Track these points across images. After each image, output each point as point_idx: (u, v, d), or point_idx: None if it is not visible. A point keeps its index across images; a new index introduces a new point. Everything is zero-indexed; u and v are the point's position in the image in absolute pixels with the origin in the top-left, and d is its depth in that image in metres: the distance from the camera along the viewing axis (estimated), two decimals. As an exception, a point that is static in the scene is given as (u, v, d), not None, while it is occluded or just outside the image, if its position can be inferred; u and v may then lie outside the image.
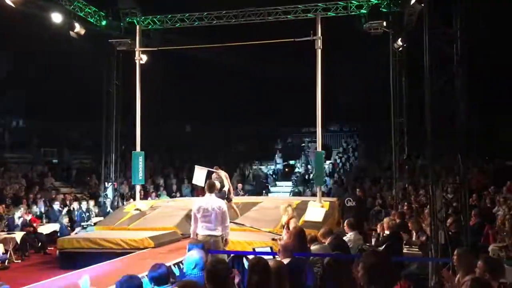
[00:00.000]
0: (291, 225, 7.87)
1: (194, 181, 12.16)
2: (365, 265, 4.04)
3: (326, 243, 6.73)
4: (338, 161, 21.43)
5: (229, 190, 11.30)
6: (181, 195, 18.25)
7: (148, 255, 9.27)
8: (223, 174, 11.28)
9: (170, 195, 18.16)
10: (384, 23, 13.25)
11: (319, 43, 12.19)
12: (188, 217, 11.27)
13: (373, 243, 8.92)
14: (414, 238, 8.59)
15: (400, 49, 14.47)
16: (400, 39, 14.15)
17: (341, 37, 15.76)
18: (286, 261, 4.96)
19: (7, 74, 18.70)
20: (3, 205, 13.09)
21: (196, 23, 14.49)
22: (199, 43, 14.91)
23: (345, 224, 8.28)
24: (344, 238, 7.61)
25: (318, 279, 6.24)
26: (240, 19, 14.11)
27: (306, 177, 20.00)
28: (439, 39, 7.93)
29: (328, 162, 20.05)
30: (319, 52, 12.24)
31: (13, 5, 11.71)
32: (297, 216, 8.42)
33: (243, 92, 23.13)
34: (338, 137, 23.84)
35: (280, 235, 8.68)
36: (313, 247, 6.46)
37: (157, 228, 11.22)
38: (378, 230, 9.08)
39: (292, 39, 12.51)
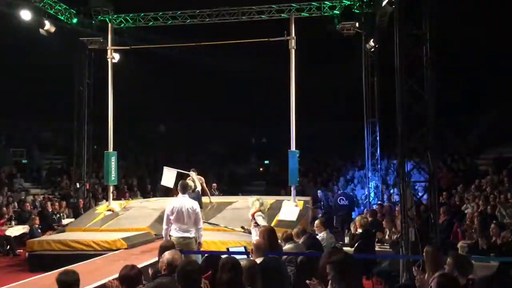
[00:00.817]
0: (259, 219, 7.82)
1: (162, 183, 11.86)
2: (334, 264, 4.11)
3: (300, 242, 6.77)
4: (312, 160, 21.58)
5: (203, 191, 11.14)
6: (155, 196, 18.08)
7: (121, 256, 9.18)
8: (195, 176, 11.04)
9: (144, 195, 17.97)
10: (357, 24, 13.41)
11: (292, 43, 12.28)
12: (161, 218, 11.19)
13: (346, 240, 9.03)
14: (387, 236, 8.74)
15: (372, 49, 14.67)
16: (372, 39, 14.35)
17: (315, 38, 15.88)
18: (259, 260, 4.98)
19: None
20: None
21: (170, 21, 14.38)
22: (174, 42, 14.82)
23: (316, 224, 8.34)
24: (317, 237, 7.67)
25: (291, 278, 6.29)
26: (214, 18, 14.07)
27: (281, 176, 20.06)
28: (410, 40, 8.08)
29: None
30: (292, 52, 12.33)
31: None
32: (266, 212, 8.38)
33: (218, 91, 23.09)
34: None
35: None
36: (287, 246, 6.50)
37: (130, 229, 11.09)
38: (352, 229, 9.19)
39: (267, 39, 12.56)
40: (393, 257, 7.74)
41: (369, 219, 9.26)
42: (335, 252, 4.86)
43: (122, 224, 11.53)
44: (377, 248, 8.37)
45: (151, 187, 19.10)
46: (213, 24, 14.38)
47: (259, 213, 7.93)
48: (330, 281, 4.20)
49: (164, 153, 22.71)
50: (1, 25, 15.34)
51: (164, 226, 7.32)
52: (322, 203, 14.85)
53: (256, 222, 7.86)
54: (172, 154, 22.27)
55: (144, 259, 8.29)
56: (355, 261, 4.62)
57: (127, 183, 19.21)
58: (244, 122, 23.48)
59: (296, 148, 12.47)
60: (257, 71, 22.35)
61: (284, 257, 6.07)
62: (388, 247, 8.54)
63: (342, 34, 13.58)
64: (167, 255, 4.79)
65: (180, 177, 11.31)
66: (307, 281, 4.45)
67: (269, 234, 5.80)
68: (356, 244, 7.89)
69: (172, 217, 7.14)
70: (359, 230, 8.32)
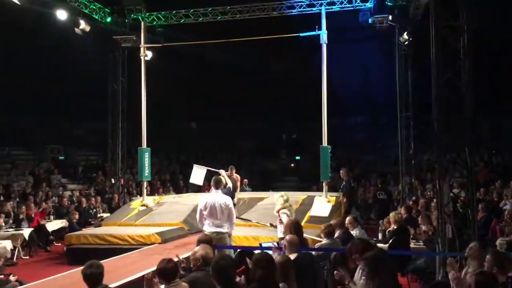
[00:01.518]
0: (283, 216, 7.71)
1: (191, 180, 11.74)
2: (367, 260, 4.06)
3: (335, 236, 6.71)
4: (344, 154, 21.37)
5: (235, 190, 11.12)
6: (187, 192, 18.27)
7: (155, 250, 9.32)
8: (225, 173, 10.92)
9: (177, 191, 18.19)
10: (390, 17, 13.16)
11: (324, 38, 12.18)
12: (194, 213, 11.30)
13: (379, 237, 8.90)
14: (422, 232, 8.56)
15: (406, 42, 14.38)
16: (406, 32, 14.06)
17: (346, 31, 15.70)
18: (292, 256, 4.96)
19: (16, 71, 18.77)
20: (11, 202, 13.16)
21: (201, 19, 14.43)
22: (205, 39, 14.91)
23: (348, 220, 8.19)
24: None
25: (325, 274, 6.25)
26: (244, 14, 14.05)
27: (312, 172, 19.96)
28: (446, 32, 7.87)
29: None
30: (324, 46, 12.23)
31: (18, 2, 11.74)
32: (292, 209, 8.33)
33: (248, 87, 23.13)
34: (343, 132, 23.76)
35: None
36: (323, 242, 6.46)
37: (163, 224, 11.26)
38: (385, 224, 9.05)
39: (297, 34, 12.50)
40: (429, 254, 7.57)
41: (404, 215, 9.10)
42: (362, 245, 4.77)
43: (156, 219, 11.71)
44: (411, 245, 8.22)
45: (183, 183, 19.31)
46: (244, 20, 14.36)
47: (284, 210, 7.89)
48: (364, 277, 4.15)
49: (196, 150, 22.92)
50: (37, 25, 15.81)
51: (199, 222, 7.42)
52: None
53: (281, 219, 7.82)
54: (203, 151, 22.48)
55: (178, 253, 8.37)
56: (389, 257, 4.55)
57: (160, 179, 19.50)
58: (274, 118, 23.48)
59: (327, 144, 12.38)
60: (288, 67, 22.32)
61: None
62: (422, 243, 8.37)
63: (375, 28, 13.36)
64: (199, 250, 4.84)
65: (210, 175, 11.28)
66: (335, 272, 4.41)
67: (295, 227, 5.78)
68: (390, 241, 7.76)
69: (205, 212, 7.19)
70: (393, 226, 8.18)
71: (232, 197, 10.22)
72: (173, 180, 19.84)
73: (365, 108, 21.84)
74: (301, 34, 12.46)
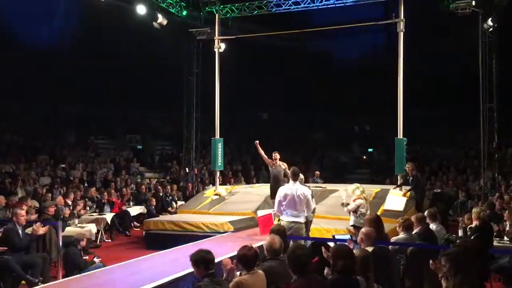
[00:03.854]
0: (354, 204, 7.77)
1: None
2: (450, 256, 3.89)
3: (414, 232, 6.50)
4: (420, 148, 20.56)
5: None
6: (258, 182, 18.46)
7: (228, 238, 9.51)
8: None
9: (248, 181, 18.44)
10: (473, 2, 12.42)
11: (401, 26, 11.75)
12: (266, 203, 11.41)
13: (460, 234, 8.49)
14: (507, 230, 8.07)
15: (491, 29, 13.51)
16: (490, 19, 13.21)
17: (425, 19, 15.04)
18: (369, 249, 4.86)
19: (99, 65, 19.84)
20: (94, 188, 13.98)
21: (274, 9, 14.44)
22: (277, 30, 14.89)
23: (427, 214, 7.89)
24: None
25: (401, 269, 6.08)
26: (318, 3, 13.87)
27: (385, 165, 19.42)
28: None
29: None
30: (401, 35, 11.83)
31: (101, -1, 12.37)
32: (368, 200, 8.18)
33: (320, 79, 22.89)
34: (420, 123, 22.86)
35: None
36: (399, 236, 6.28)
37: (235, 213, 11.45)
38: (465, 221, 8.62)
39: (374, 23, 12.15)
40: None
41: (487, 211, 8.61)
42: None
43: (228, 208, 11.93)
44: (495, 243, 7.77)
45: (254, 173, 19.52)
46: (317, 10, 14.18)
47: (361, 200, 7.80)
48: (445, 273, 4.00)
49: (267, 141, 23.01)
50: (117, 20, 16.58)
51: (276, 208, 7.48)
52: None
53: (355, 212, 7.78)
54: (274, 142, 22.53)
55: (250, 242, 8.49)
56: (471, 254, 4.34)
57: (232, 169, 19.84)
58: (347, 109, 23.06)
59: (403, 136, 11.99)
60: (361, 57, 21.80)
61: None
62: (508, 242, 7.89)
63: (456, 14, 12.68)
64: (268, 239, 4.86)
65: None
66: (430, 262, 4.26)
67: (375, 222, 5.66)
68: (472, 238, 7.37)
69: (284, 203, 7.24)
70: (476, 223, 7.76)
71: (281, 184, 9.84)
72: (244, 170, 20.12)
73: (443, 99, 20.82)
74: (377, 23, 12.09)
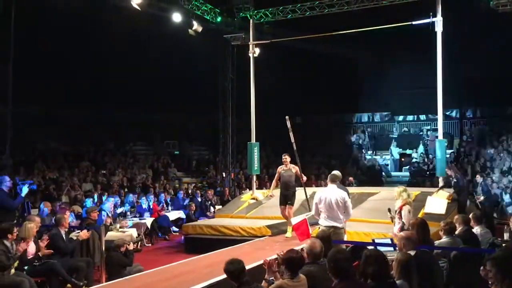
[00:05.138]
0: (405, 212, 7.32)
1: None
2: (496, 260, 3.75)
3: (456, 234, 6.32)
4: (462, 150, 20.01)
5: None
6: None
7: (266, 243, 9.52)
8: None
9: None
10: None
11: (439, 25, 11.51)
12: (303, 207, 11.34)
13: (505, 237, 8.20)
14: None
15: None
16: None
17: (464, 17, 14.66)
18: (411, 253, 4.76)
19: (132, 71, 20.29)
20: (135, 193, 14.28)
21: (308, 13, 14.39)
22: (311, 33, 14.83)
23: (471, 217, 7.65)
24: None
25: (444, 274, 5.92)
26: (352, 5, 13.74)
27: (425, 167, 18.99)
28: None
29: (449, 151, 18.83)
30: (439, 34, 11.57)
31: (139, 8, 12.65)
32: (412, 205, 7.86)
33: (355, 81, 22.66)
34: (460, 124, 22.27)
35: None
36: (442, 240, 6.13)
37: (272, 217, 11.43)
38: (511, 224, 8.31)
39: (410, 23, 11.94)
40: None
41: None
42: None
43: (265, 212, 11.93)
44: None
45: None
46: (351, 11, 14.04)
47: (408, 206, 7.49)
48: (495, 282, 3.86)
49: (301, 144, 22.92)
50: (153, 28, 16.92)
51: (314, 213, 7.35)
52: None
53: (400, 215, 7.45)
54: (308, 146, 22.42)
55: (288, 246, 8.47)
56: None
57: (268, 173, 19.84)
58: (384, 110, 22.76)
59: (443, 137, 11.74)
60: (398, 58, 21.46)
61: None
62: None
63: (497, 11, 12.29)
64: (309, 242, 4.85)
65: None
66: (481, 268, 4.09)
67: (421, 227, 5.52)
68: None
69: (321, 206, 7.12)
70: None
71: (293, 189, 9.81)
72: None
73: (486, 99, 20.24)
74: (414, 22, 11.87)
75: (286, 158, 10.08)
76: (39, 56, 17.26)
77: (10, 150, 10.49)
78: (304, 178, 10.24)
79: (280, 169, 10.16)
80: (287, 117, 10.59)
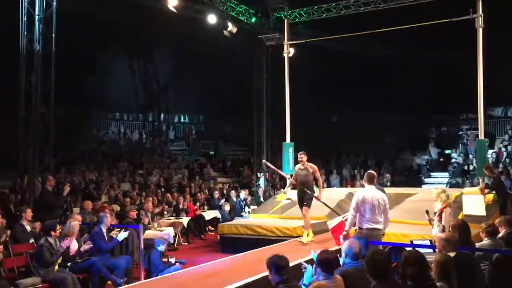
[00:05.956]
0: (445, 214, 7.14)
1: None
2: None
3: (499, 236, 6.12)
4: (503, 149, 19.38)
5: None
6: (330, 186, 18.27)
7: (301, 243, 9.48)
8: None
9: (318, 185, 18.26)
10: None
11: (480, 21, 11.20)
12: (339, 207, 11.24)
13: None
14: None
15: None
16: None
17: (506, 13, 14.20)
18: (451, 255, 4.66)
19: (169, 73, 20.67)
20: (171, 193, 14.51)
21: (343, 12, 14.28)
22: (345, 33, 14.70)
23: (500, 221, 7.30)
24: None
25: (486, 278, 5.76)
26: (389, 3, 13.55)
27: (465, 167, 18.49)
28: None
29: (491, 151, 18.27)
30: (480, 31, 11.27)
31: (175, 11, 12.85)
32: (452, 206, 7.63)
33: (391, 79, 22.24)
34: (502, 124, 21.55)
35: None
36: (483, 242, 5.96)
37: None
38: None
39: (449, 20, 11.67)
40: None
41: None
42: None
43: (300, 213, 11.87)
44: None
45: (325, 177, 19.34)
46: (387, 10, 13.84)
47: (449, 208, 7.29)
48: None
49: (337, 144, 22.77)
50: (189, 30, 17.13)
51: (353, 214, 6.95)
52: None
53: (441, 218, 7.25)
54: (345, 145, 22.24)
55: (323, 247, 8.43)
56: None
57: (303, 173, 19.76)
58: (421, 110, 22.24)
59: (484, 137, 11.41)
60: (436, 57, 20.94)
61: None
62: None
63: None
64: (347, 242, 4.82)
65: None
66: None
67: (462, 228, 5.38)
68: None
69: (362, 207, 6.83)
70: None
71: (312, 191, 9.27)
72: (315, 174, 19.97)
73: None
74: (453, 19, 11.60)
75: (303, 156, 9.44)
76: (80, 60, 17.79)
77: (52, 151, 10.83)
78: (321, 181, 9.67)
79: (297, 168, 9.57)
80: (264, 160, 10.32)
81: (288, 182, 9.68)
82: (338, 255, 4.79)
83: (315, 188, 9.58)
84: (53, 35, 10.33)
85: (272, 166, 10.32)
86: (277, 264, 4.13)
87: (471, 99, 11.74)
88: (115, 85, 21.17)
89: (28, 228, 8.13)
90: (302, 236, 9.78)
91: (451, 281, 4.05)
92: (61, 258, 6.95)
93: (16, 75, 10.17)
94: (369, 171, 7.36)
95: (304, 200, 9.32)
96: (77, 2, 14.75)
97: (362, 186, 7.38)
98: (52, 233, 6.96)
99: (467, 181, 16.54)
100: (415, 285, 3.86)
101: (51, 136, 10.41)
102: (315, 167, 9.57)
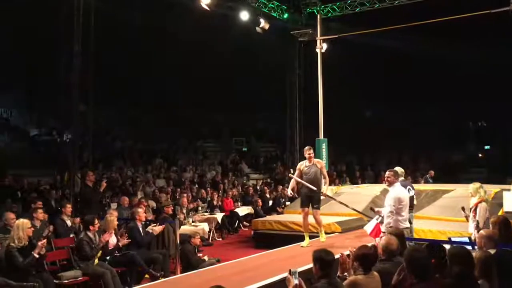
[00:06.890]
0: (480, 209, 6.95)
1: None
2: None
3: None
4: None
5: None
6: (364, 182, 18.07)
7: (336, 239, 9.42)
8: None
9: (353, 181, 18.12)
10: None
11: (520, 12, 10.83)
12: (373, 203, 11.10)
13: None
14: None
15: None
16: None
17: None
18: (491, 252, 4.54)
19: (201, 72, 20.82)
20: (205, 189, 14.67)
21: (377, 5, 14.07)
22: (378, 27, 14.45)
23: None
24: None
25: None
26: (424, -5, 13.26)
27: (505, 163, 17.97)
28: None
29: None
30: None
31: (207, 8, 12.94)
32: (489, 202, 7.41)
33: (425, 75, 21.79)
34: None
35: None
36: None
37: (342, 213, 11.30)
38: None
39: (487, 11, 11.31)
40: None
41: None
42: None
43: (335, 209, 11.79)
44: None
45: (359, 173, 19.15)
46: (423, 2, 13.53)
47: (484, 203, 7.10)
48: None
49: (371, 140, 22.48)
50: (219, 27, 17.22)
51: (391, 214, 6.61)
52: None
53: (476, 213, 7.07)
54: (380, 141, 21.92)
55: (359, 243, 8.34)
56: None
57: (336, 169, 19.63)
58: (458, 104, 21.71)
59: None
60: (469, 51, 20.38)
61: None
62: None
63: None
64: (385, 238, 4.76)
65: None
66: None
67: (503, 225, 5.24)
68: None
69: (400, 206, 6.57)
70: None
71: (319, 189, 8.41)
72: (348, 170, 19.81)
73: None
74: (491, 11, 11.23)
75: (311, 152, 8.42)
76: (119, 61, 18.19)
77: (91, 148, 11.15)
78: (327, 178, 8.73)
79: (301, 165, 8.54)
80: (290, 174, 9.26)
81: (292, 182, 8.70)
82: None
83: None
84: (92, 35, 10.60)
85: (298, 179, 8.44)
86: (323, 258, 4.10)
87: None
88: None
89: (69, 223, 8.39)
90: (335, 232, 9.79)
91: (492, 279, 3.95)
92: (100, 252, 7.14)
93: (57, 74, 10.51)
94: (397, 168, 7.22)
95: (314, 201, 8.47)
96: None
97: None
98: (91, 227, 7.15)
99: (507, 177, 16.01)
100: (459, 283, 3.77)
101: (90, 134, 10.70)
102: (322, 162, 8.89)
